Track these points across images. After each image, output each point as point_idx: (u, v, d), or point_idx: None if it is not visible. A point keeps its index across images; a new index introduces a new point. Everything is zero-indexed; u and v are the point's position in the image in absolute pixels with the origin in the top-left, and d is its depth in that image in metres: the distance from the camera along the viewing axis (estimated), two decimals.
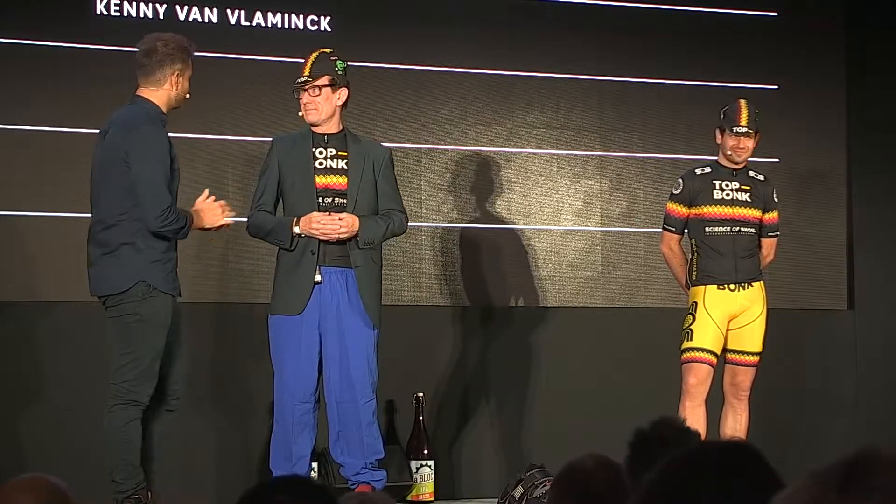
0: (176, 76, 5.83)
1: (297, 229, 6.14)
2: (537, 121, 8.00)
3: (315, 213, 6.14)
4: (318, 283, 6.16)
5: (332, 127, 6.29)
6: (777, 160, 8.11)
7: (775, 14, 8.39)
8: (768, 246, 6.90)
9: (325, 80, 6.21)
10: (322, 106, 6.23)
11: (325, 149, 6.26)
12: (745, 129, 6.72)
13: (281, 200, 6.33)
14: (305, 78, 6.23)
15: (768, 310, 6.79)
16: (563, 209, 8.02)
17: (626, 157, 8.14)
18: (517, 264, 7.90)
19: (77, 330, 6.98)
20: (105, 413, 5.75)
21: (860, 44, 8.50)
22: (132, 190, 5.69)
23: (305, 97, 6.23)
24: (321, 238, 6.13)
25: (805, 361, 8.32)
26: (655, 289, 8.02)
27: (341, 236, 6.13)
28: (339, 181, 6.24)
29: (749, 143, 6.75)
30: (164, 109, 5.85)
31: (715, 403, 6.76)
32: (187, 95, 5.92)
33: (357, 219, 6.15)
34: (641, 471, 3.50)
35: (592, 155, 8.10)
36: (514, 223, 7.92)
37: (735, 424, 6.68)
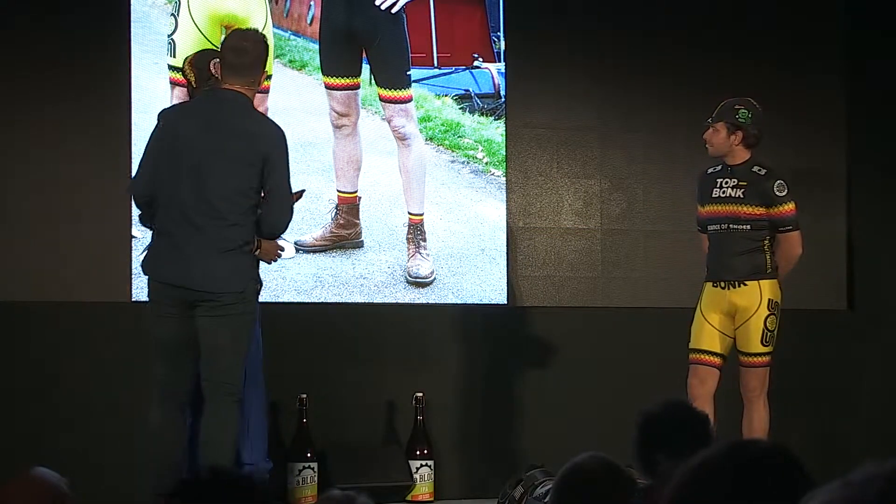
0: (263, 75, 5.76)
1: None
2: (537, 121, 7.99)
3: None
4: None
5: None
6: (777, 160, 8.10)
7: (775, 13, 8.40)
8: (786, 241, 6.66)
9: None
10: None
11: None
12: (707, 122, 6.68)
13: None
14: None
15: (773, 309, 6.63)
16: (563, 209, 8.02)
17: (626, 157, 8.13)
18: (517, 264, 7.90)
19: (80, 330, 6.98)
20: (208, 408, 5.63)
21: (860, 44, 8.49)
22: (256, 192, 5.62)
23: None
24: None
25: (805, 361, 8.30)
26: (655, 289, 8.02)
27: None
28: None
29: (711, 137, 6.64)
30: None
31: (736, 405, 6.69)
32: None
33: None
34: (650, 451, 3.51)
35: (592, 155, 8.09)
36: (514, 223, 7.91)
37: (750, 425, 6.60)
